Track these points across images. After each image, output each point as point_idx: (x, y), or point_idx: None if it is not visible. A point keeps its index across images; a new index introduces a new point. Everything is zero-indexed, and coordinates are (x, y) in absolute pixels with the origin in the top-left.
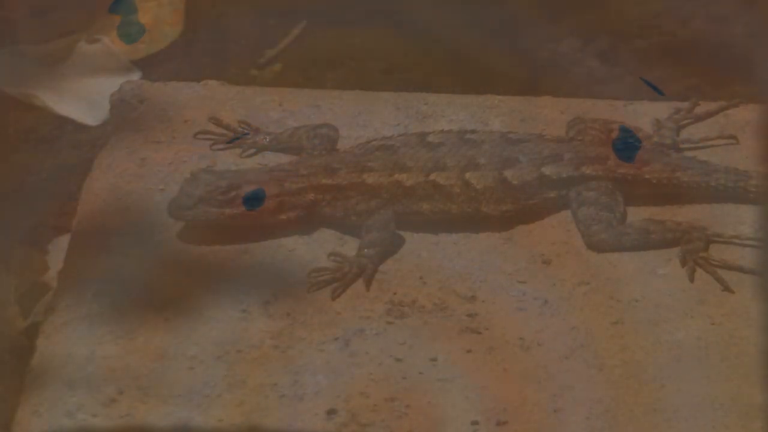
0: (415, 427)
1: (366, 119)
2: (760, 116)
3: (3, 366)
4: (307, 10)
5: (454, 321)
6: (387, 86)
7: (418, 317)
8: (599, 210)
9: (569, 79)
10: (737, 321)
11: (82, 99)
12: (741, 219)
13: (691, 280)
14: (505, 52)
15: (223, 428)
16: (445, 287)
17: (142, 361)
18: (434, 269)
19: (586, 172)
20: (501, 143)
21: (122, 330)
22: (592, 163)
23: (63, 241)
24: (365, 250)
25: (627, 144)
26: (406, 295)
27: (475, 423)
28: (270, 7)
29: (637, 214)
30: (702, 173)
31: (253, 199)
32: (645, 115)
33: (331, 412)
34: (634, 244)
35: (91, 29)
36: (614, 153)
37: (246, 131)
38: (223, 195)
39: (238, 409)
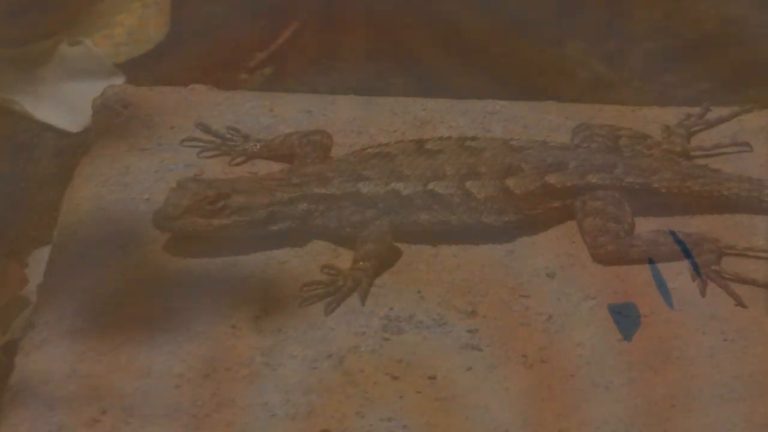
0: None
1: (361, 125)
2: None
3: None
4: (300, 11)
5: (454, 337)
6: (383, 91)
7: (416, 333)
8: (606, 221)
9: (574, 84)
10: (751, 337)
11: (63, 104)
12: (755, 230)
13: (703, 294)
14: (507, 54)
15: None
16: (445, 302)
17: (126, 380)
18: (433, 283)
19: (593, 180)
20: (503, 150)
21: (105, 347)
22: (598, 172)
23: (43, 254)
24: (360, 262)
25: None
26: (403, 310)
27: None
28: (260, 7)
29: (646, 225)
30: (714, 182)
31: (243, 210)
32: (654, 122)
33: None
34: (643, 256)
35: (72, 31)
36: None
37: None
38: (211, 205)
39: (227, 430)
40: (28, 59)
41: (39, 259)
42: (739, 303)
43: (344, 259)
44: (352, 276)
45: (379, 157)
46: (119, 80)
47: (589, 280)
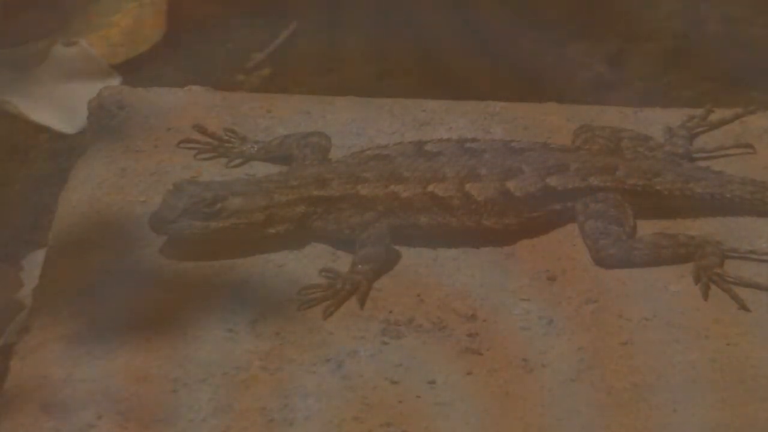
0: None
1: (360, 127)
2: None
3: None
4: (298, 12)
5: (454, 341)
6: (382, 92)
7: (416, 337)
8: (607, 223)
9: (575, 85)
10: (754, 341)
11: (58, 105)
12: (758, 233)
13: (705, 297)
14: (507, 56)
15: None
16: (444, 305)
17: (123, 384)
18: (432, 286)
19: (594, 183)
20: (503, 152)
21: (101, 351)
22: (600, 174)
23: (38, 257)
24: (359, 265)
25: None
26: (402, 314)
27: None
28: (258, 8)
29: (648, 228)
30: (716, 184)
31: (240, 212)
32: (656, 123)
33: None
34: (645, 259)
35: (68, 31)
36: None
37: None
38: (208, 207)
39: None
40: (23, 60)
41: (34, 262)
42: (742, 306)
43: (343, 262)
44: (351, 279)
45: (378, 159)
46: (115, 81)
47: (590, 283)
